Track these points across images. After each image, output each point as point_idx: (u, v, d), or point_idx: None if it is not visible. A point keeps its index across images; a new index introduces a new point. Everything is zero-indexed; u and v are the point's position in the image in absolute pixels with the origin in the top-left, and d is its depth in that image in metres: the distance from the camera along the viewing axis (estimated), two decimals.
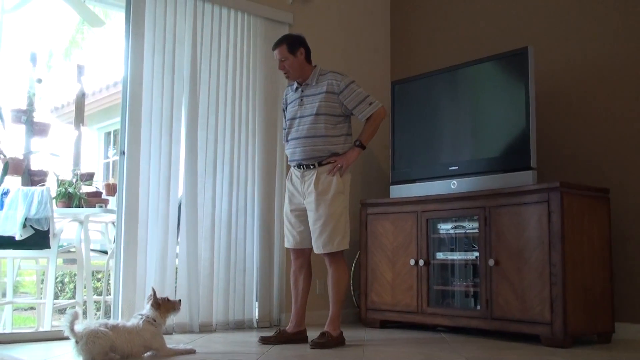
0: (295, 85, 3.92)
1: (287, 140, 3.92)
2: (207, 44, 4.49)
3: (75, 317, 2.92)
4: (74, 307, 4.68)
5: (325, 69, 3.88)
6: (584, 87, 4.38)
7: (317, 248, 3.76)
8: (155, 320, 3.18)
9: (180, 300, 3.38)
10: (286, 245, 3.96)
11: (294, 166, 3.89)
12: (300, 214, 3.86)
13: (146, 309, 3.22)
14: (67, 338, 2.95)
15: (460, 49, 5.10)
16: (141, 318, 3.16)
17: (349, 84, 3.79)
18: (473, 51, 4.83)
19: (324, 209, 3.72)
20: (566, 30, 4.51)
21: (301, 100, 3.84)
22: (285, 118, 4.00)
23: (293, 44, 3.82)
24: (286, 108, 3.99)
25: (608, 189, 4.04)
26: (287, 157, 3.99)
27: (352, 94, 3.77)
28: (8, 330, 4.35)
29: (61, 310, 5.83)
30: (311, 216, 3.77)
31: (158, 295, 3.28)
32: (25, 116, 5.39)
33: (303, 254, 3.89)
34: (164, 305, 3.24)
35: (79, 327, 3.02)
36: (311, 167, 3.79)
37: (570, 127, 4.41)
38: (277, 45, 3.85)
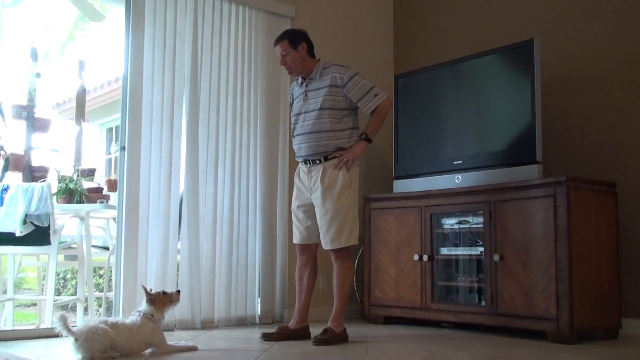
0: (300, 79, 3.87)
1: (294, 136, 3.88)
2: (208, 38, 4.44)
3: (65, 319, 2.89)
4: (63, 307, 4.65)
5: (329, 62, 3.83)
6: (590, 80, 4.32)
7: (325, 244, 3.72)
8: (153, 316, 3.14)
9: (178, 290, 3.33)
10: (294, 241, 3.93)
11: (301, 162, 3.85)
12: (308, 210, 3.82)
13: (143, 305, 3.19)
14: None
15: (464, 41, 5.05)
16: (139, 314, 3.13)
17: (353, 76, 3.74)
18: (478, 43, 4.78)
19: (330, 204, 3.68)
20: (573, 21, 4.45)
21: (306, 95, 3.80)
22: (292, 113, 3.97)
23: (294, 39, 3.78)
24: (292, 103, 3.95)
25: (615, 183, 3.99)
26: (292, 151, 3.94)
27: (356, 87, 3.72)
28: (9, 327, 4.32)
29: (63, 307, 5.82)
30: (318, 212, 3.73)
31: (153, 290, 3.25)
32: (26, 112, 5.37)
33: (309, 249, 3.86)
34: (159, 299, 3.20)
35: (79, 324, 2.99)
36: (317, 162, 3.75)
37: (576, 121, 4.36)
38: (278, 40, 3.81)
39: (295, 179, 3.92)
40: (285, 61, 3.79)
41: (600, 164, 4.19)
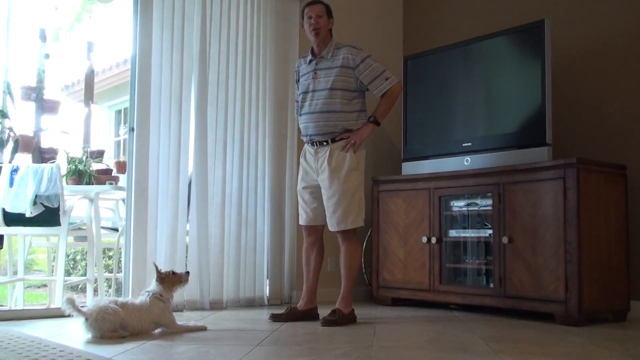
0: (309, 57, 3.85)
1: (300, 115, 3.86)
2: (217, 19, 4.42)
3: (73, 301, 2.92)
4: (73, 288, 4.67)
5: (341, 43, 3.82)
6: (601, 62, 4.28)
7: (332, 226, 3.73)
8: (162, 296, 3.16)
9: (187, 272, 3.35)
10: (300, 222, 3.93)
11: (307, 142, 3.84)
12: (314, 191, 3.82)
13: (152, 285, 3.21)
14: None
15: (474, 22, 5.00)
16: (148, 294, 3.15)
17: (365, 58, 3.72)
18: (488, 25, 4.73)
19: (337, 185, 3.68)
20: (584, 2, 4.39)
21: (315, 73, 3.78)
22: (297, 90, 3.95)
23: (329, 10, 3.83)
24: (298, 80, 3.93)
25: (625, 165, 3.96)
26: (300, 132, 3.93)
27: (368, 69, 3.71)
28: (20, 307, 4.36)
29: (73, 288, 5.87)
30: (325, 193, 3.73)
31: (164, 270, 3.26)
32: (35, 93, 5.38)
33: (316, 231, 3.86)
34: (168, 279, 3.22)
35: (89, 304, 3.02)
36: (324, 143, 3.74)
37: (586, 103, 4.32)
38: (319, 1, 3.81)
39: (301, 160, 3.91)
40: (318, 22, 3.76)
41: (611, 146, 4.16)
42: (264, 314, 3.96)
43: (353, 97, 3.75)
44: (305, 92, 3.81)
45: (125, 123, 9.46)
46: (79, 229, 4.62)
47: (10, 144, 4.88)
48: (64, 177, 4.59)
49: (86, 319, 2.93)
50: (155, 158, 4.11)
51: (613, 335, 3.34)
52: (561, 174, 3.68)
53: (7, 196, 4.13)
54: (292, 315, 3.71)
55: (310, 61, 3.84)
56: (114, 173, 5.16)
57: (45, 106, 5.45)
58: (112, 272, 5.15)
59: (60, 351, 2.60)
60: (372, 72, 3.72)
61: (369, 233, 4.89)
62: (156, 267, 3.23)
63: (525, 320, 3.83)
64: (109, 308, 2.96)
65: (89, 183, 4.75)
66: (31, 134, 5.19)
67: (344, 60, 3.72)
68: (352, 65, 3.71)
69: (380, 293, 4.65)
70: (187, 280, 3.31)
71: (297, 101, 3.95)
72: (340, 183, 3.68)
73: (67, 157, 4.91)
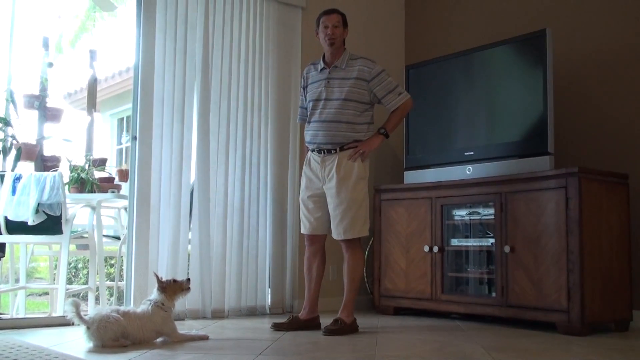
0: (321, 65, 3.85)
1: (309, 122, 3.85)
2: (219, 28, 4.44)
3: (78, 305, 2.91)
4: (74, 296, 4.67)
5: (355, 54, 3.83)
6: (603, 71, 4.29)
7: (338, 234, 3.72)
8: (164, 304, 3.16)
9: (188, 279, 3.34)
10: (302, 231, 3.92)
11: (314, 150, 3.83)
12: (318, 200, 3.81)
13: (153, 293, 3.20)
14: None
15: (476, 31, 5.02)
16: (150, 303, 3.14)
17: (380, 72, 3.76)
18: (490, 34, 4.75)
19: (345, 194, 3.68)
20: (585, 12, 4.41)
21: (328, 82, 3.78)
22: (304, 97, 3.95)
23: (345, 20, 3.85)
24: (306, 86, 3.93)
25: (627, 174, 3.96)
26: (304, 140, 3.92)
27: (383, 83, 3.74)
28: (21, 316, 4.36)
29: (75, 296, 5.86)
30: (332, 202, 3.73)
31: (164, 278, 3.26)
32: (38, 102, 5.40)
33: (318, 240, 3.86)
34: (170, 288, 3.21)
35: (91, 312, 3.02)
36: (332, 151, 3.74)
37: (588, 112, 4.32)
38: (335, 11, 3.82)
39: (305, 169, 3.90)
40: (334, 32, 3.76)
41: (612, 155, 4.16)
42: (266, 323, 3.95)
43: (365, 109, 3.77)
44: (317, 100, 3.80)
45: (127, 131, 9.48)
46: (81, 237, 4.63)
47: (13, 152, 4.89)
48: (67, 185, 4.60)
49: (88, 328, 2.93)
50: (157, 166, 4.11)
51: (615, 345, 3.33)
52: (563, 183, 3.68)
53: (9, 204, 4.14)
54: (294, 325, 3.70)
55: (322, 69, 3.83)
56: (116, 181, 5.17)
57: (48, 114, 5.47)
58: (113, 281, 5.15)
59: None
60: (386, 87, 3.75)
61: (370, 242, 4.89)
62: (157, 277, 3.23)
63: (527, 329, 3.82)
64: (111, 317, 2.96)
65: (91, 191, 4.76)
66: (34, 142, 5.21)
67: (359, 73, 3.73)
68: (368, 78, 3.73)
69: (382, 302, 4.64)
70: (188, 287, 3.30)
71: (303, 108, 3.95)
72: (349, 192, 3.68)
73: (70, 165, 4.92)
